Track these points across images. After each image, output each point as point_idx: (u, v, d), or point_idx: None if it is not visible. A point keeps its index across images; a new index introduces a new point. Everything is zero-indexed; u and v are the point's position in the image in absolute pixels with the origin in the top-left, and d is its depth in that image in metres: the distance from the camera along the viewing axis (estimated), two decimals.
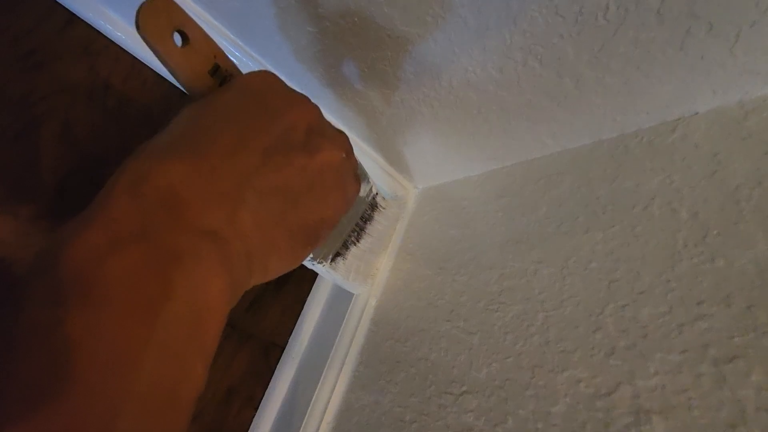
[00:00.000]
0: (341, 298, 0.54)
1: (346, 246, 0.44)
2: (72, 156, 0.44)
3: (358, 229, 0.44)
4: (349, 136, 0.54)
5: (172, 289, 0.16)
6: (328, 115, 0.51)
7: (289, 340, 0.56)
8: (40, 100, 0.44)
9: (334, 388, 0.48)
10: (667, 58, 0.30)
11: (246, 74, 0.24)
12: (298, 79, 0.47)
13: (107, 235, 0.16)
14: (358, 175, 0.28)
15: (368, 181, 0.44)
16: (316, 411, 0.47)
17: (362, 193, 0.43)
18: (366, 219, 0.45)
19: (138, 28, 0.21)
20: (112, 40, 0.47)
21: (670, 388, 0.24)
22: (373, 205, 0.45)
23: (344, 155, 0.25)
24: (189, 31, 0.23)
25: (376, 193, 0.46)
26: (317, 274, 0.60)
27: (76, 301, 0.14)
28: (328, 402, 0.47)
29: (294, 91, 0.25)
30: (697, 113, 0.33)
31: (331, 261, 0.43)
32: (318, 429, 0.46)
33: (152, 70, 0.50)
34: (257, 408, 0.52)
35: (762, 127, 0.29)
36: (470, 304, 0.40)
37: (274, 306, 0.56)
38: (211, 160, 0.19)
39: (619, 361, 0.27)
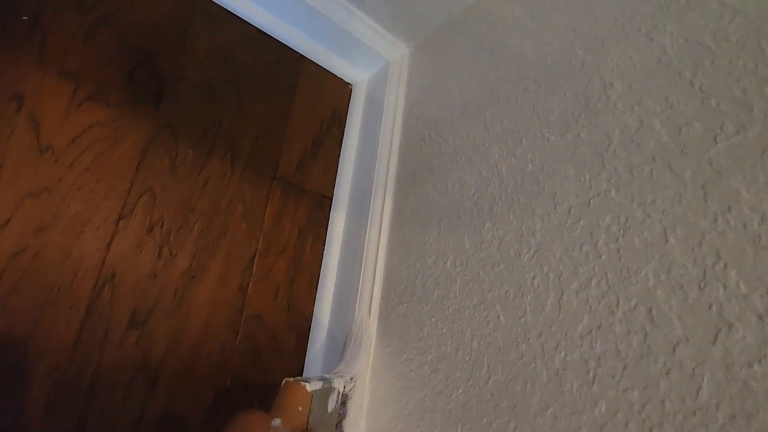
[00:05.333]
0: (369, 150, 0.66)
1: None
2: (131, 53, 0.53)
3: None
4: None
5: None
6: None
7: (334, 191, 0.68)
8: (93, 7, 0.51)
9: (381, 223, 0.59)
10: None
11: None
12: None
13: None
14: None
15: (334, 396, 0.43)
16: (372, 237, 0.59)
17: (330, 408, 0.41)
18: (342, 417, 0.44)
19: None
20: None
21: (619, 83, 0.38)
22: (344, 401, 0.44)
23: None
24: None
25: (344, 393, 0.44)
26: (343, 134, 0.72)
27: None
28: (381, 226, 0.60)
29: None
30: None
31: None
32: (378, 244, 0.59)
33: None
34: (324, 243, 0.65)
35: None
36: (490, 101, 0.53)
37: (316, 165, 0.67)
38: None
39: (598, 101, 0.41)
